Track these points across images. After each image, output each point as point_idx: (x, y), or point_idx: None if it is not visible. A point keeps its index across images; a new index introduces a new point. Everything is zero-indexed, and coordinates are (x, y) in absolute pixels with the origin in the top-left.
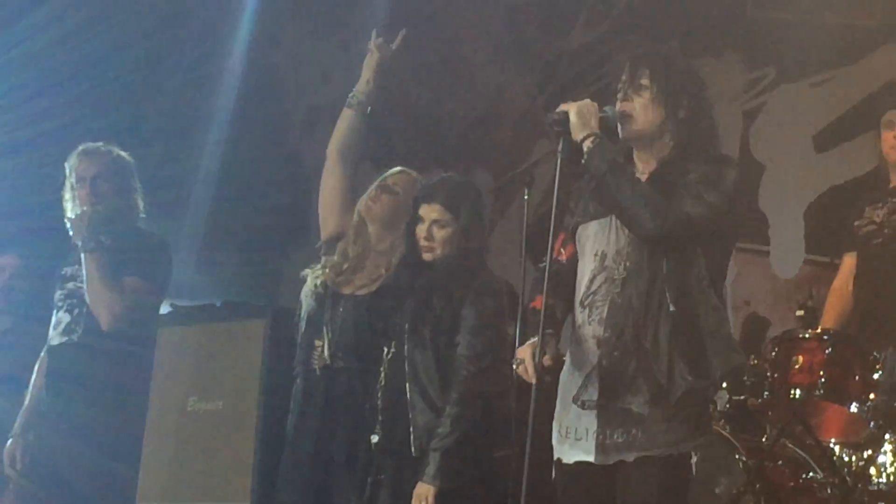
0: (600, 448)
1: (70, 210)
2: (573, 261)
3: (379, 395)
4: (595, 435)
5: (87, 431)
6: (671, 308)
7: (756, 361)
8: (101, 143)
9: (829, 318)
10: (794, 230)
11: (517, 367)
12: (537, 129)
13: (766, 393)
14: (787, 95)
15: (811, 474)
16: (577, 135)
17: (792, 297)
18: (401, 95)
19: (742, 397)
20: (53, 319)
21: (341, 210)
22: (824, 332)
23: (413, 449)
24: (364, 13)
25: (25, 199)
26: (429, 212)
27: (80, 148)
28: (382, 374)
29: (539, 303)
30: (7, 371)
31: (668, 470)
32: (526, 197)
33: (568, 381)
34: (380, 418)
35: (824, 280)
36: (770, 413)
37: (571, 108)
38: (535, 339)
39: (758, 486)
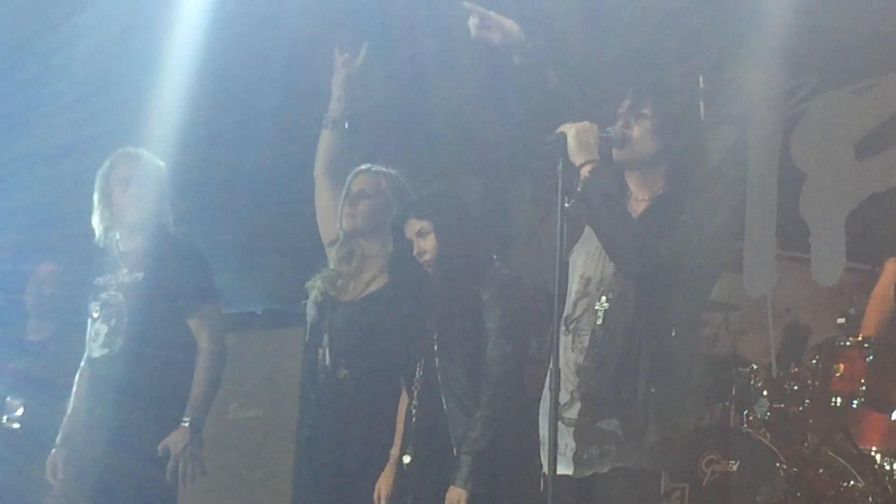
0: (577, 462)
1: (97, 218)
2: None
3: (413, 413)
4: (573, 450)
5: (128, 440)
6: (649, 359)
7: (797, 369)
8: (132, 148)
9: (870, 325)
10: (835, 238)
11: None
12: None
13: (806, 401)
14: (828, 103)
15: (852, 483)
16: (576, 159)
17: (833, 305)
18: (439, 103)
19: (782, 405)
20: (90, 330)
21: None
22: (865, 339)
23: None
24: (398, 23)
25: (64, 207)
26: (409, 228)
27: (119, 152)
28: (415, 394)
29: None
30: (50, 379)
31: (640, 483)
32: (566, 205)
33: (549, 397)
34: (413, 438)
35: (866, 288)
36: (811, 421)
37: (570, 131)
38: None
39: (798, 494)
